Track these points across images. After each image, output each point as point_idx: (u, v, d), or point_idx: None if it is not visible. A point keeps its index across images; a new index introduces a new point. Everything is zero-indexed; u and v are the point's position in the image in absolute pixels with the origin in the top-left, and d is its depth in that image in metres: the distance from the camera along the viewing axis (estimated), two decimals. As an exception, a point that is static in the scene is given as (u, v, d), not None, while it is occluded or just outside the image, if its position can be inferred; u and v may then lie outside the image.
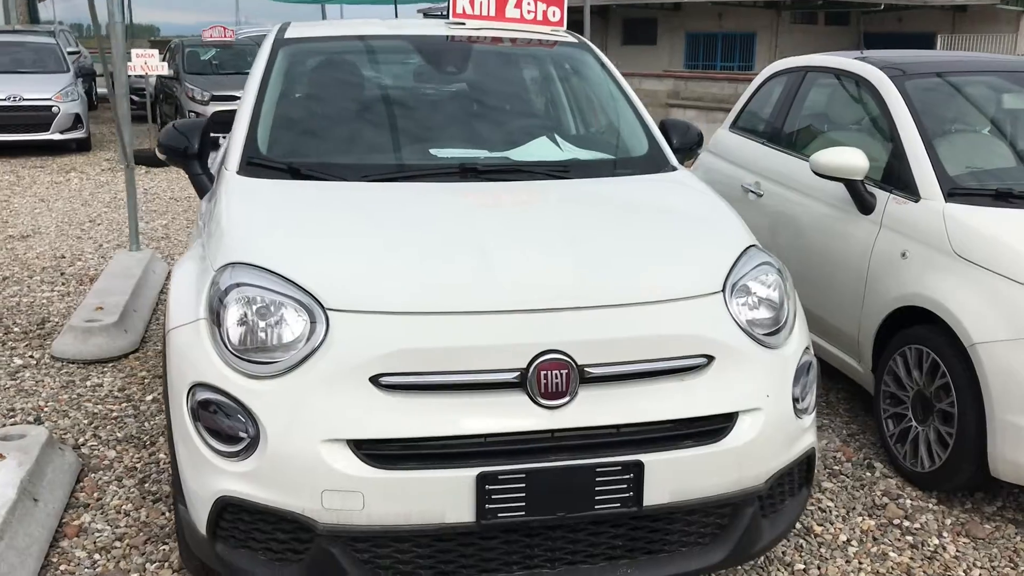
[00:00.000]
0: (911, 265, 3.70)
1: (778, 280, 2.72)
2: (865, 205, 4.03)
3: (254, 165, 3.13)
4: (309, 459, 2.22)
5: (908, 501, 3.53)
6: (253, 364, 2.32)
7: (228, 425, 2.31)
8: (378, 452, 2.24)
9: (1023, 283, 3.24)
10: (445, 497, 2.23)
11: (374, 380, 2.25)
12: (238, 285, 2.43)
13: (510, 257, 2.52)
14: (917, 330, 3.64)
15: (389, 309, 2.33)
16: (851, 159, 3.98)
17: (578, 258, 2.56)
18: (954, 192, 3.71)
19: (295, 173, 3.08)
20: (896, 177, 3.96)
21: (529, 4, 4.02)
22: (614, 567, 2.40)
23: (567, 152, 3.48)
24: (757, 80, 5.54)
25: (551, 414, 2.29)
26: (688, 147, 3.83)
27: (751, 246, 2.81)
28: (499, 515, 2.27)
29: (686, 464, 2.37)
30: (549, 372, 2.27)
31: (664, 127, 3.82)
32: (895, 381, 3.76)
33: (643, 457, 2.32)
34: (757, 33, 34.10)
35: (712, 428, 2.42)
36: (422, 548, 2.30)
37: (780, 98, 5.19)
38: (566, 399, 2.29)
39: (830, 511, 3.42)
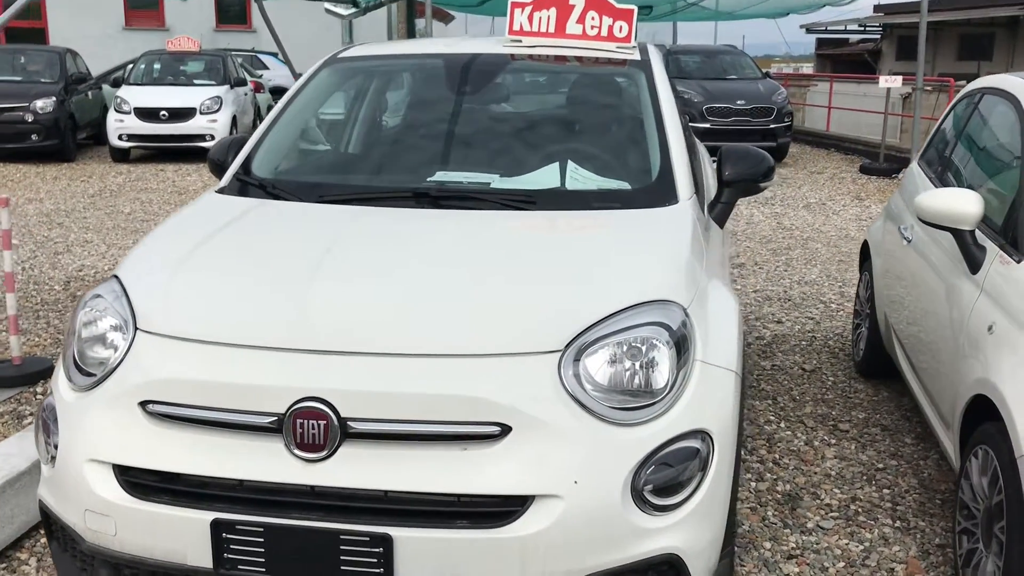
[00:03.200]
0: (993, 343, 2.87)
1: (663, 347, 2.25)
2: (972, 261, 3.20)
3: (239, 181, 3.23)
4: (75, 476, 2.24)
5: (945, 645, 2.75)
6: (81, 375, 2.39)
7: (48, 433, 2.40)
8: (135, 480, 2.20)
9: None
10: (185, 538, 2.14)
11: (142, 406, 2.22)
12: (97, 296, 2.52)
13: (328, 294, 2.35)
14: (987, 427, 2.82)
15: (172, 334, 2.29)
16: (957, 204, 3.19)
17: (408, 301, 2.31)
18: (1066, 253, 2.82)
19: (264, 191, 3.13)
20: (1011, 228, 3.10)
21: (593, 19, 3.71)
22: None
23: (575, 182, 3.18)
24: (953, 103, 4.62)
25: (305, 467, 2.10)
26: (745, 180, 3.32)
27: (655, 301, 2.35)
28: (239, 567, 2.12)
29: (452, 548, 2.05)
30: (306, 421, 2.08)
31: (722, 157, 3.34)
32: (969, 488, 2.95)
33: (393, 531, 2.05)
34: None
35: (494, 511, 2.07)
36: None
37: (954, 125, 4.29)
38: (323, 453, 2.09)
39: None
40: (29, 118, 13.37)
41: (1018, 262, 2.93)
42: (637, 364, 2.23)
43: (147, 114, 13.84)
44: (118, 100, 14.02)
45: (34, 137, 13.41)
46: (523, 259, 2.56)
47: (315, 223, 2.86)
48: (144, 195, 10.94)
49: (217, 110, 14.05)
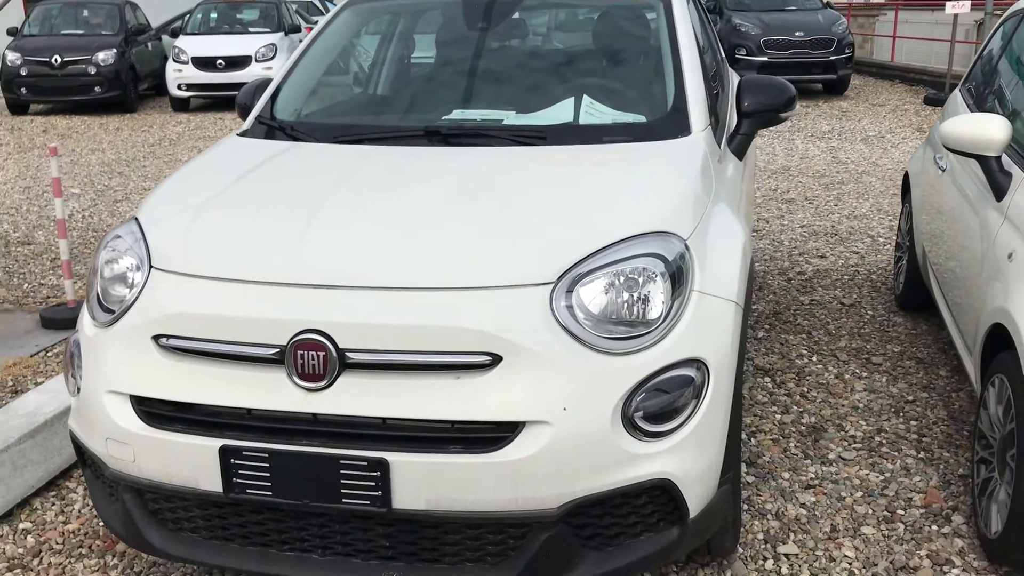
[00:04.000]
0: (1012, 271, 2.82)
1: (658, 277, 2.27)
2: (997, 188, 3.13)
3: (260, 124, 3.31)
4: (97, 407, 2.37)
5: (955, 572, 2.76)
6: (103, 312, 2.51)
7: (74, 367, 2.53)
8: (151, 410, 2.32)
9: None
10: (197, 464, 2.25)
11: (155, 340, 2.33)
12: (117, 236, 2.63)
13: (327, 230, 2.42)
14: (1004, 356, 2.78)
15: (183, 271, 2.38)
16: (982, 129, 3.11)
17: (405, 236, 2.37)
18: (1089, 177, 2.74)
19: (284, 133, 3.20)
20: (1038, 153, 3.01)
21: (613, -48, 3.66)
22: (384, 567, 2.25)
23: (589, 116, 3.18)
24: (996, 27, 4.45)
25: (306, 396, 2.19)
26: (766, 111, 3.28)
27: (653, 233, 2.37)
28: (247, 491, 2.24)
29: (445, 471, 2.13)
30: (306, 352, 2.17)
31: (740, 87, 3.31)
32: (987, 417, 2.92)
33: (390, 456, 2.13)
34: None
35: (485, 436, 2.14)
36: (201, 509, 2.35)
37: (996, 49, 4.14)
38: (323, 383, 2.17)
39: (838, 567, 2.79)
40: (92, 70, 13.70)
41: (1041, 187, 2.85)
42: (631, 295, 2.26)
43: (204, 63, 14.05)
44: (176, 50, 14.26)
45: (97, 89, 13.75)
46: (525, 194, 2.59)
47: (328, 163, 2.92)
48: (203, 143, 11.16)
49: (272, 57, 14.19)
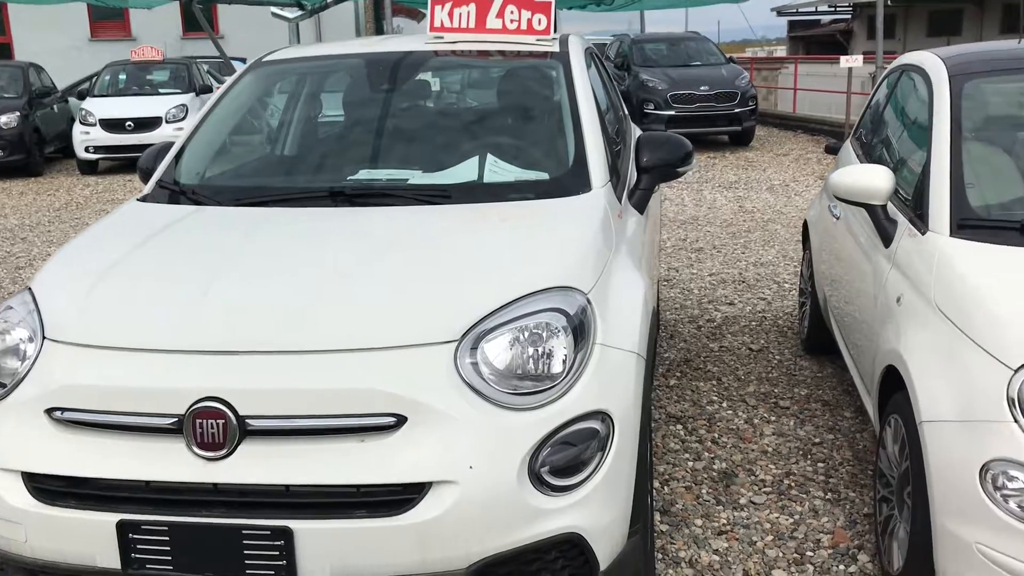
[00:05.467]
0: (901, 314, 2.94)
1: (560, 332, 2.30)
2: (885, 235, 3.27)
3: (162, 188, 3.27)
4: None
5: (863, 610, 2.82)
6: None
7: None
8: (44, 487, 2.24)
9: (987, 350, 2.45)
10: (94, 540, 2.18)
11: (49, 413, 2.26)
12: (9, 308, 2.56)
13: (226, 295, 2.40)
14: (898, 397, 2.89)
15: (76, 342, 2.33)
16: (867, 180, 3.26)
17: (306, 299, 2.36)
18: (965, 224, 2.89)
19: (185, 197, 3.16)
20: (918, 202, 3.16)
21: (512, 13, 3.76)
22: None
23: (493, 174, 3.22)
24: (881, 80, 4.69)
25: (206, 466, 2.15)
26: (664, 165, 3.38)
27: (555, 288, 2.40)
28: (147, 566, 2.17)
29: (351, 537, 2.11)
30: (205, 421, 2.13)
31: (639, 144, 3.40)
32: (885, 456, 3.02)
33: (294, 524, 2.10)
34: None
35: (391, 499, 2.12)
36: None
37: (879, 102, 4.36)
38: (223, 451, 2.14)
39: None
40: (-7, 134, 13.34)
41: (923, 234, 2.99)
42: (535, 350, 2.28)
43: (113, 125, 13.82)
44: (83, 112, 14.00)
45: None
46: (428, 252, 2.61)
47: (229, 226, 2.90)
48: (110, 206, 10.93)
49: (183, 118, 14.03)
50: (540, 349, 2.29)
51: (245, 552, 2.12)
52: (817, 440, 3.99)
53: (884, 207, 3.27)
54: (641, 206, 3.42)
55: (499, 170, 3.26)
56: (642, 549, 2.54)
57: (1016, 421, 2.30)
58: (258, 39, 15.08)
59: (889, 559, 2.87)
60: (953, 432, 2.45)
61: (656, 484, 3.61)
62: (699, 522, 3.34)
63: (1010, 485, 2.29)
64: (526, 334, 2.29)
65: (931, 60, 3.63)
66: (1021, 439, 2.28)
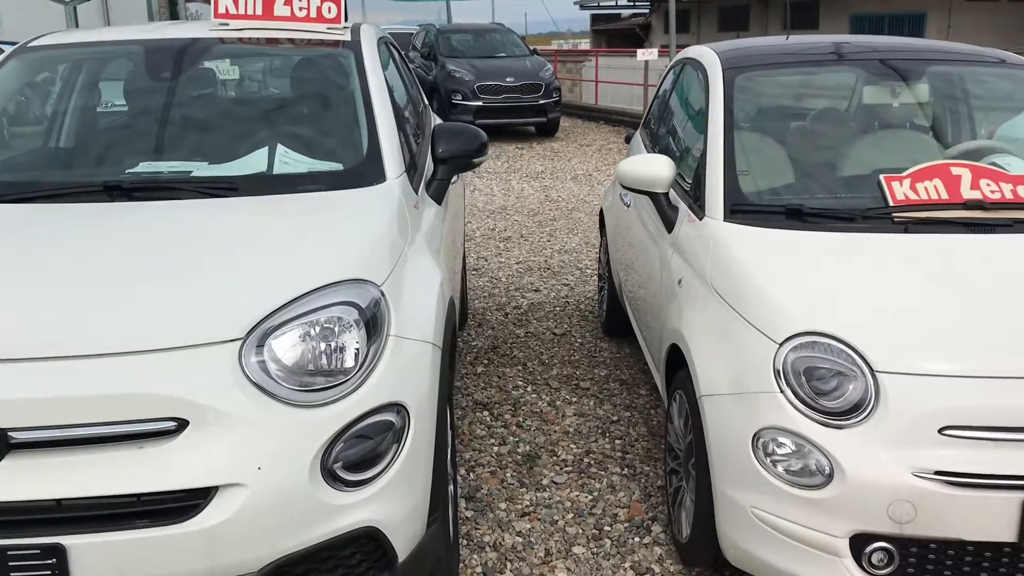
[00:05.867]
0: (682, 296, 3.10)
1: (352, 325, 2.28)
2: (667, 221, 3.44)
3: None
4: None
5: (655, 578, 2.97)
6: None
7: None
8: None
9: (756, 327, 2.62)
10: None
11: None
12: None
13: None
14: (681, 373, 3.05)
15: None
16: (650, 169, 3.40)
17: (75, 301, 2.23)
18: (738, 209, 3.08)
19: None
20: (696, 189, 3.35)
21: (301, 1, 3.67)
22: None
23: (284, 165, 3.13)
24: (666, 72, 4.92)
25: None
26: (460, 156, 3.40)
27: (346, 281, 2.37)
28: None
29: (132, 549, 2.01)
30: None
31: (434, 134, 3.40)
32: (673, 430, 3.18)
33: (67, 540, 1.98)
34: (928, 13, 31.44)
35: (175, 506, 2.04)
36: None
37: (663, 94, 4.58)
38: None
39: (551, 585, 2.92)
40: None
41: (700, 220, 3.17)
42: (326, 344, 2.25)
43: None
44: None
45: None
46: (213, 248, 2.52)
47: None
48: None
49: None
50: (332, 344, 2.25)
51: (12, 574, 1.98)
52: (615, 418, 4.15)
53: (666, 195, 3.43)
54: (439, 196, 3.44)
55: (290, 161, 3.18)
56: (442, 537, 2.57)
57: (782, 391, 2.47)
58: (37, 23, 14.08)
59: (679, 528, 3.03)
60: (728, 404, 2.61)
61: (462, 471, 3.65)
62: (503, 505, 3.40)
63: (779, 451, 2.47)
64: (317, 329, 2.26)
65: (707, 54, 3.84)
66: (787, 408, 2.46)
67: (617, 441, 3.92)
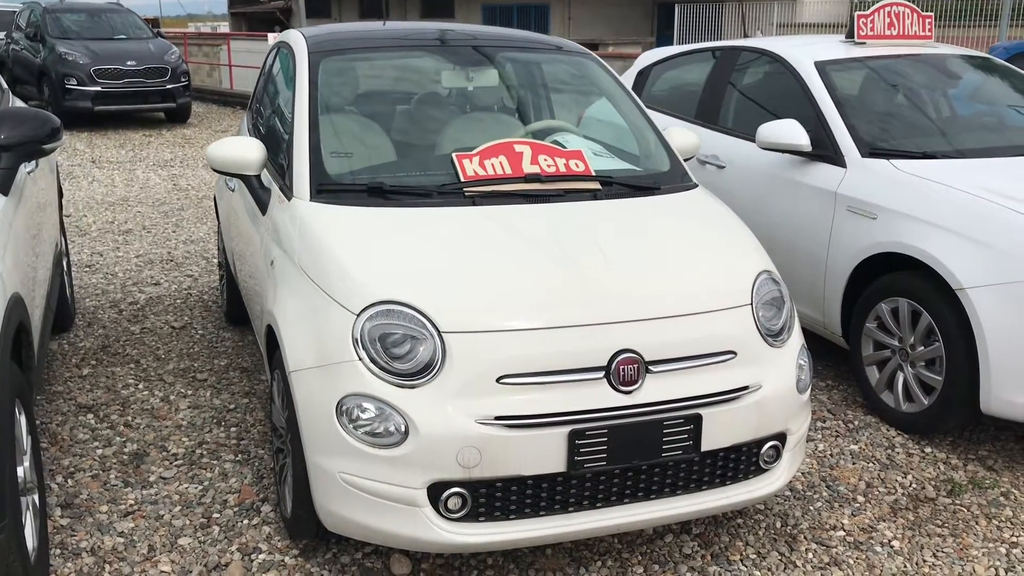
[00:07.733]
0: (275, 276, 3.13)
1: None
2: (261, 203, 3.45)
3: None
4: None
5: (262, 556, 2.99)
6: None
7: None
8: None
9: (336, 300, 2.72)
10: None
11: None
12: None
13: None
14: (278, 353, 3.08)
15: None
16: (239, 152, 3.39)
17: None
18: (323, 189, 3.17)
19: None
20: (285, 170, 3.39)
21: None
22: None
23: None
24: (267, 55, 4.90)
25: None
26: (28, 142, 3.16)
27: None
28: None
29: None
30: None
31: (-1, 118, 3.13)
32: (275, 409, 3.20)
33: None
34: (551, 5, 33.86)
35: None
36: None
37: (264, 77, 4.58)
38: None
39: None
40: None
41: (289, 200, 3.22)
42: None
43: None
44: None
45: None
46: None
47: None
48: None
49: None
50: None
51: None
52: (232, 407, 4.11)
53: (259, 177, 3.44)
54: (5, 187, 3.18)
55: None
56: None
57: (360, 359, 2.60)
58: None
59: (285, 504, 3.08)
60: (315, 377, 2.70)
61: (60, 479, 3.44)
62: (105, 508, 3.25)
63: (363, 416, 2.59)
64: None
65: (296, 37, 3.89)
66: (366, 374, 2.59)
67: (233, 429, 3.89)
